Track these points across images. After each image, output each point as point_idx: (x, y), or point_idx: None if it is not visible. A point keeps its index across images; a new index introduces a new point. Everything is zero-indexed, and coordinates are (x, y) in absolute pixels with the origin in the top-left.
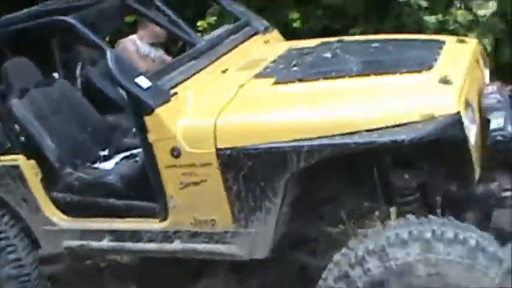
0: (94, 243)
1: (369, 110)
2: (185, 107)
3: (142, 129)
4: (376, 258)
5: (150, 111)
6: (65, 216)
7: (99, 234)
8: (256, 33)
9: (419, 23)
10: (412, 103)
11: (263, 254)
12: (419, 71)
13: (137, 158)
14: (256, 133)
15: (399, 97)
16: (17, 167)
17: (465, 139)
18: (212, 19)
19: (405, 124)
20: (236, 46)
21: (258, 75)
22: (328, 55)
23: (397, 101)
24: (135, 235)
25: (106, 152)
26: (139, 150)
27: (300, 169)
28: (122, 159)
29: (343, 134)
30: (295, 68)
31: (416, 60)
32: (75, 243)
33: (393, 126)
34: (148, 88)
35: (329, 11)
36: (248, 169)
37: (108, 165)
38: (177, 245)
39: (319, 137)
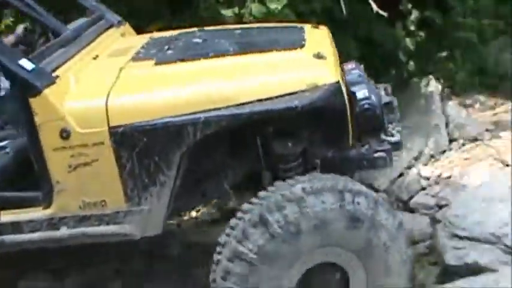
0: None
1: (259, 81)
2: (69, 89)
3: (29, 112)
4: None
5: (37, 92)
6: None
7: None
8: (111, 26)
9: (216, 17)
10: (296, 74)
11: (157, 231)
12: (294, 49)
13: (7, 150)
14: (151, 109)
15: (284, 70)
16: None
17: (345, 105)
18: (9, 20)
19: (294, 93)
20: (96, 37)
21: (135, 59)
22: (198, 40)
23: (283, 73)
24: (16, 227)
25: None
26: (6, 142)
27: (196, 141)
28: None
29: (238, 105)
30: (170, 52)
31: (287, 41)
32: None
33: (283, 95)
34: (32, 70)
35: (125, 8)
36: (143, 145)
37: None
38: (63, 231)
39: (215, 109)
